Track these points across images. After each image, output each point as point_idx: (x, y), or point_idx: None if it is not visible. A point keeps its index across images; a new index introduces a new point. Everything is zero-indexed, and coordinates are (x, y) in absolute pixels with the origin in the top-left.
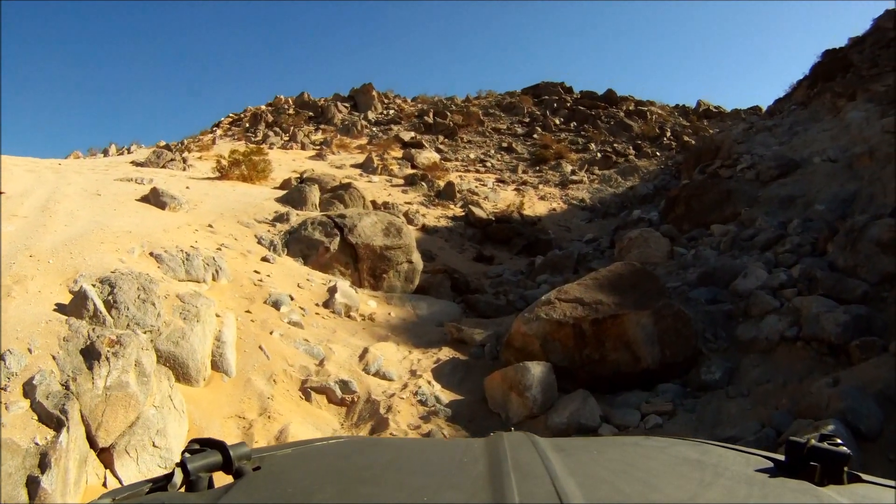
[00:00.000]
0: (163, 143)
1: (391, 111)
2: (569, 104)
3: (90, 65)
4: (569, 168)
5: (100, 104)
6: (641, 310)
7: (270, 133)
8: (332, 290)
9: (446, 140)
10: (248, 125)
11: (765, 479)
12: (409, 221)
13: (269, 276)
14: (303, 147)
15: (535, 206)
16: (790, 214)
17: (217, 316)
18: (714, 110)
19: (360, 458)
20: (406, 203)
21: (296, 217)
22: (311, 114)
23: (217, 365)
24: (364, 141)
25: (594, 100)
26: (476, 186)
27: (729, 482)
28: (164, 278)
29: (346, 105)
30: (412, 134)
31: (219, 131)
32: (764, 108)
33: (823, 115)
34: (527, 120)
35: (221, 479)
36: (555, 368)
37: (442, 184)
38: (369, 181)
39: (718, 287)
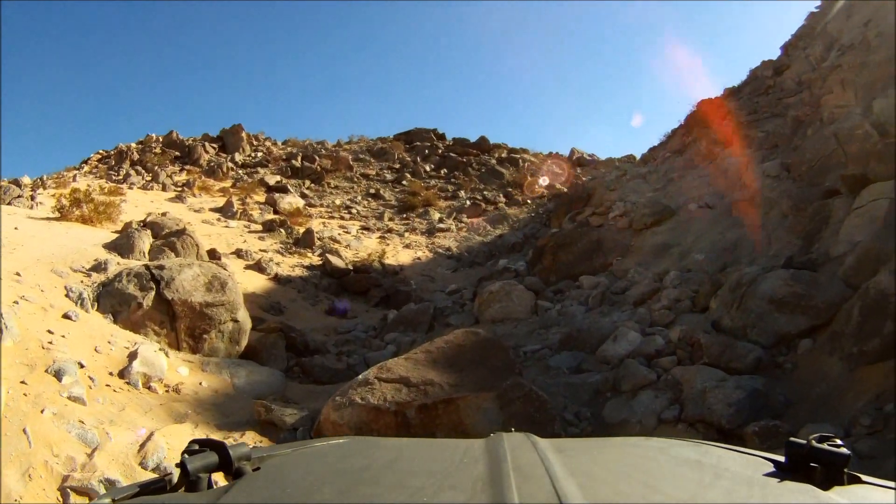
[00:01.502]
0: (27, 180)
1: (259, 153)
2: (441, 151)
3: None
4: (437, 216)
5: None
6: (484, 391)
7: (132, 172)
8: (133, 356)
9: (313, 185)
10: (113, 163)
11: (765, 480)
12: (262, 270)
13: (63, 336)
14: (164, 188)
15: (399, 255)
16: (666, 265)
17: None
18: (588, 158)
19: (359, 459)
20: (261, 250)
21: (115, 266)
22: (177, 153)
23: None
24: (228, 183)
25: (466, 146)
26: (339, 234)
27: (729, 483)
28: None
29: (215, 146)
30: (278, 178)
31: (86, 168)
32: (638, 157)
33: (700, 161)
34: (397, 166)
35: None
36: None
37: (301, 230)
38: (226, 226)
39: (585, 351)
